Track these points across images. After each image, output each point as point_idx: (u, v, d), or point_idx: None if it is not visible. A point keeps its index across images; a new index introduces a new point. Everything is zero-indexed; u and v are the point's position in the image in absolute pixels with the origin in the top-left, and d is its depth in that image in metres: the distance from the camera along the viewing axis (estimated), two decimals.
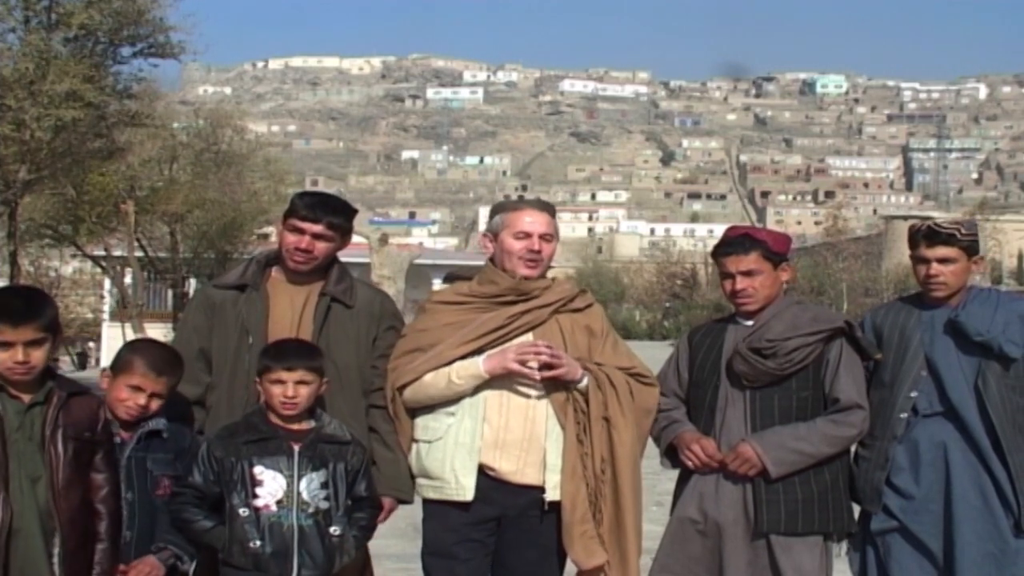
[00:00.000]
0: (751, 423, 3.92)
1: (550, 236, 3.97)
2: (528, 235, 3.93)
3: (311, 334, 3.86)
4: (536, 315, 3.91)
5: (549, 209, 4.06)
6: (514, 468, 3.81)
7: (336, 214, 3.94)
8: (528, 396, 3.83)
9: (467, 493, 3.80)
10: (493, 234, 4.00)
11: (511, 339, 3.86)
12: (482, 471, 3.81)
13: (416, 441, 3.93)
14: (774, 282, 4.04)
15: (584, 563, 3.78)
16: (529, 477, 3.82)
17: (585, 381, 3.82)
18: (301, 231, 3.89)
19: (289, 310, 3.92)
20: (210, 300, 3.97)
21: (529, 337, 3.88)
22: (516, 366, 3.75)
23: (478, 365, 3.79)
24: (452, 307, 3.98)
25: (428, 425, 3.90)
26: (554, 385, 3.83)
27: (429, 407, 3.89)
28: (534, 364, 3.76)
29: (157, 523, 3.55)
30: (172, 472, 3.59)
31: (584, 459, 3.80)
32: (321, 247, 3.91)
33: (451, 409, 3.86)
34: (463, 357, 3.82)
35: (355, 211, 4.10)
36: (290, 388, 3.57)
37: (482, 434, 3.81)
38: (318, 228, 3.89)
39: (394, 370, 3.91)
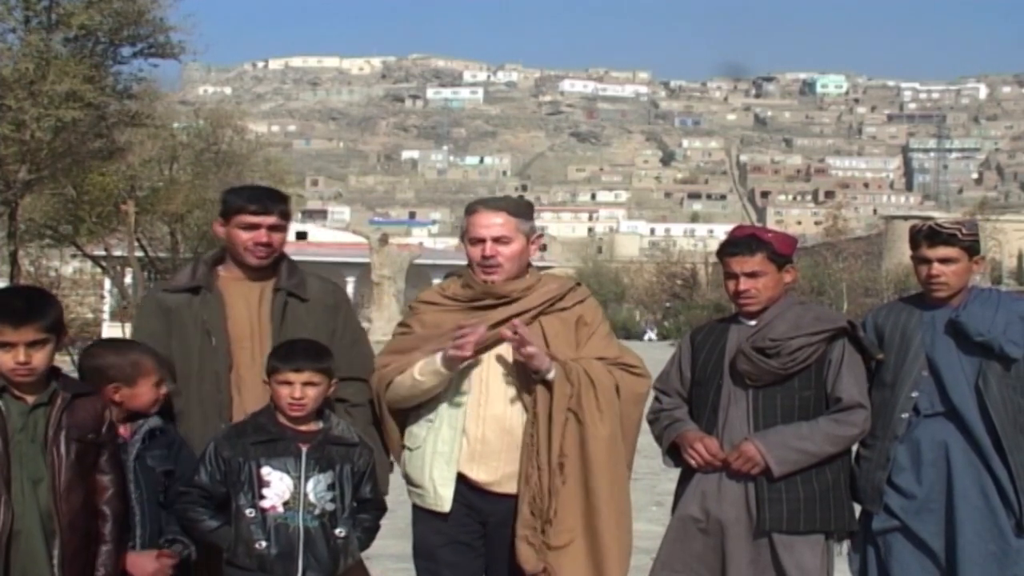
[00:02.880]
0: (754, 422, 3.92)
1: (507, 238, 3.82)
2: (481, 240, 3.83)
3: (270, 331, 3.84)
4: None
5: (511, 207, 3.89)
6: (491, 479, 3.78)
7: (282, 202, 3.96)
8: (505, 406, 3.78)
9: (444, 504, 3.78)
10: (462, 239, 3.97)
11: (487, 349, 3.79)
12: (462, 479, 3.78)
13: (404, 448, 3.93)
14: (778, 283, 4.04)
15: (526, 568, 3.69)
16: (506, 487, 3.77)
17: (553, 373, 3.73)
18: (255, 226, 3.86)
19: (245, 309, 3.89)
20: (163, 305, 3.89)
21: (509, 345, 3.77)
22: (453, 351, 3.66)
23: (436, 361, 3.74)
24: (435, 308, 3.95)
25: (412, 431, 3.90)
26: (529, 391, 3.75)
27: (414, 415, 3.88)
28: (470, 341, 3.64)
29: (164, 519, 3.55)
30: (170, 467, 3.59)
31: (536, 458, 3.70)
32: (276, 238, 3.90)
33: (430, 416, 3.84)
34: None
35: (289, 197, 4.12)
36: (297, 389, 3.56)
37: (460, 444, 3.78)
38: (272, 219, 3.88)
39: (376, 371, 3.90)
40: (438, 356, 3.73)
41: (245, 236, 3.87)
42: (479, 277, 3.85)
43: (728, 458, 3.90)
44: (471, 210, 3.93)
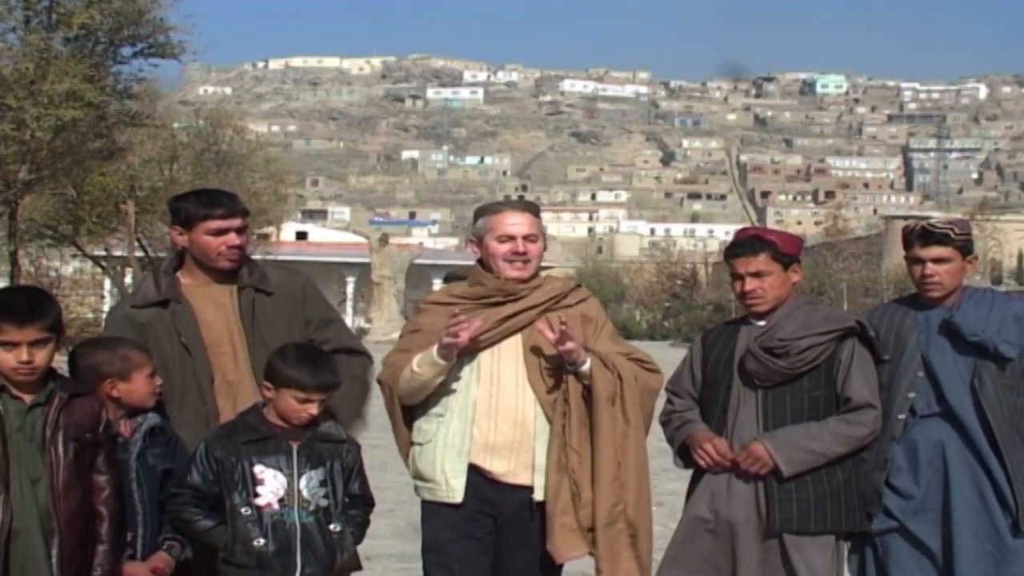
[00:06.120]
0: (763, 422, 3.94)
1: (535, 236, 3.96)
2: (512, 238, 3.93)
3: (243, 330, 3.86)
4: (524, 317, 3.90)
5: (531, 209, 4.05)
6: (505, 470, 3.82)
7: (239, 202, 3.98)
8: (517, 399, 3.84)
9: (456, 495, 3.82)
10: (478, 238, 4.01)
11: (497, 343, 3.86)
12: (476, 470, 3.82)
13: (412, 444, 3.97)
14: (784, 283, 4.05)
15: (562, 554, 3.77)
16: (520, 478, 3.82)
17: (588, 364, 3.80)
18: (224, 230, 3.87)
19: (216, 312, 3.90)
20: (136, 320, 3.86)
21: (517, 339, 3.88)
22: (447, 339, 3.72)
23: (432, 352, 3.79)
24: (444, 308, 3.98)
25: (421, 428, 3.94)
26: (542, 383, 3.83)
27: (421, 410, 3.92)
28: (462, 334, 3.71)
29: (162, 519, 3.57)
30: (169, 465, 3.60)
31: (567, 451, 3.78)
32: (243, 239, 3.93)
33: (440, 411, 3.88)
34: None
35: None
36: (315, 407, 3.59)
37: (471, 436, 3.82)
38: (238, 221, 3.90)
39: (386, 368, 3.95)
40: (434, 347, 3.79)
41: (216, 242, 3.87)
42: (508, 273, 3.93)
43: (737, 458, 3.91)
44: (495, 210, 4.01)
